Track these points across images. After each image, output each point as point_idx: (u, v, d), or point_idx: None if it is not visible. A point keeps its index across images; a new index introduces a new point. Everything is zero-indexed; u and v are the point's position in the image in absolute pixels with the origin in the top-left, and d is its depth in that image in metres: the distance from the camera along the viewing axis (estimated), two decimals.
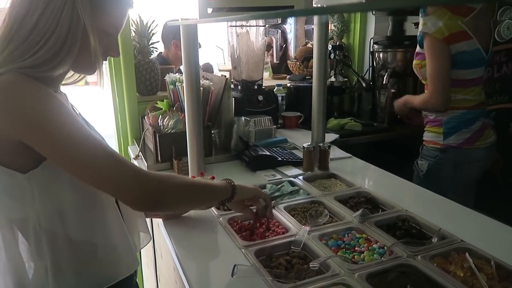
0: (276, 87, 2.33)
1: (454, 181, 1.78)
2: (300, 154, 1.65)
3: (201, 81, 1.52)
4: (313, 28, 1.74)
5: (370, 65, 2.61)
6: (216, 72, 2.84)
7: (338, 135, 2.02)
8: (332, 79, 2.43)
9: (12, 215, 0.84)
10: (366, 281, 0.85)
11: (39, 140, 0.76)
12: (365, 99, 2.47)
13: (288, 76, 2.73)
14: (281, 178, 1.48)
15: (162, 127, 1.63)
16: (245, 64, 2.01)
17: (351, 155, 1.74)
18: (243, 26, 1.95)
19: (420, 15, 1.77)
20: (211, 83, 1.71)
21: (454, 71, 1.69)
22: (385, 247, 0.98)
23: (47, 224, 0.84)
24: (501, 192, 2.14)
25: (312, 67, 1.77)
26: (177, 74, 1.83)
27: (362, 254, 0.97)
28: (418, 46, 1.78)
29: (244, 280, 0.87)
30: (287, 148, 1.79)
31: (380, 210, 1.22)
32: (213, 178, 1.26)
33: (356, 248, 1.00)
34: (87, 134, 0.79)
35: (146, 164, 1.62)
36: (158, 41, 2.10)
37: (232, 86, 1.96)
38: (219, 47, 2.99)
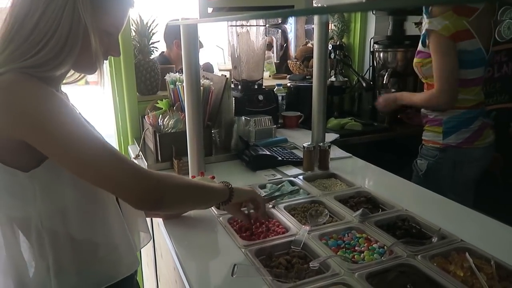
0: (276, 87, 2.33)
1: (454, 181, 1.78)
2: (300, 153, 1.65)
3: (201, 80, 1.52)
4: (313, 28, 1.74)
5: (370, 64, 2.61)
6: (216, 71, 2.85)
7: (338, 135, 2.02)
8: (332, 78, 2.43)
9: (13, 214, 0.84)
10: (366, 281, 0.85)
11: (40, 139, 0.76)
12: (365, 99, 2.48)
13: (288, 76, 2.73)
14: (281, 178, 1.48)
15: (162, 126, 1.63)
16: (245, 64, 2.01)
17: (351, 154, 1.74)
18: (244, 25, 1.95)
19: (424, 16, 1.77)
20: (211, 83, 1.71)
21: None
22: (385, 247, 0.99)
23: (48, 223, 0.84)
24: (501, 192, 2.14)
25: (312, 67, 1.77)
26: (177, 73, 1.83)
27: (362, 254, 0.97)
28: (420, 44, 1.78)
29: (244, 280, 0.87)
30: (287, 148, 1.79)
31: (380, 210, 1.22)
32: (213, 177, 1.26)
33: (356, 248, 1.00)
34: (88, 132, 0.79)
35: (146, 164, 1.62)
36: (159, 41, 2.10)
37: (232, 85, 1.96)
38: (219, 46, 2.99)
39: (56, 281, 0.86)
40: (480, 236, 1.04)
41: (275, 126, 1.93)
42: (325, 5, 1.26)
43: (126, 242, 0.99)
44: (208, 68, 2.82)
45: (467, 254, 0.92)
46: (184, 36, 1.24)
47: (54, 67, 0.80)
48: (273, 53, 2.94)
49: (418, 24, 2.17)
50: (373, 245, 1.00)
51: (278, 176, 1.50)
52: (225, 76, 1.78)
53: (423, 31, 1.73)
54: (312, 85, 1.68)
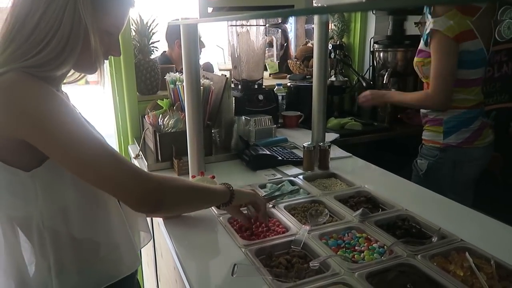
0: (276, 87, 2.33)
1: (454, 180, 1.78)
2: (300, 153, 1.65)
3: (201, 80, 1.52)
4: (313, 28, 1.74)
5: (371, 64, 2.61)
6: (216, 71, 2.85)
7: (338, 135, 2.02)
8: (333, 78, 2.44)
9: (14, 213, 0.84)
10: (366, 281, 0.86)
11: (40, 139, 0.76)
12: None
13: (288, 76, 2.73)
14: (281, 178, 1.48)
15: (162, 126, 1.63)
16: (246, 64, 2.01)
17: (351, 154, 1.74)
18: (244, 25, 1.95)
19: (428, 16, 1.77)
20: (211, 83, 1.71)
21: (458, 70, 1.69)
22: (385, 247, 0.99)
23: (50, 222, 0.84)
24: (501, 192, 2.15)
25: (312, 67, 1.77)
26: (177, 73, 1.83)
27: (362, 254, 0.97)
28: (422, 44, 1.77)
29: (244, 279, 0.87)
30: (287, 148, 1.79)
31: (380, 210, 1.23)
32: (213, 177, 1.26)
33: (356, 248, 1.00)
34: (89, 133, 0.79)
35: (147, 164, 1.62)
36: (159, 40, 2.10)
37: (232, 85, 1.96)
38: (220, 46, 2.99)
39: (57, 280, 0.86)
40: (480, 235, 1.04)
41: (275, 125, 1.93)
42: (325, 5, 1.26)
43: (127, 241, 0.99)
44: (208, 67, 2.82)
45: (467, 253, 0.92)
46: (184, 36, 1.24)
47: (55, 67, 0.80)
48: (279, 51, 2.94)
49: (418, 23, 2.16)
50: (373, 245, 1.01)
51: (278, 175, 1.50)
52: (225, 75, 1.78)
53: (427, 31, 1.72)
54: (312, 85, 1.68)
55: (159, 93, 2.10)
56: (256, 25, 1.96)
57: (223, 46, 2.95)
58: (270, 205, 1.22)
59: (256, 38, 1.97)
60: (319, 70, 1.63)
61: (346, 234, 1.07)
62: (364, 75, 2.61)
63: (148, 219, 1.27)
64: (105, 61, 0.90)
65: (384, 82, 2.33)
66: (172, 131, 1.61)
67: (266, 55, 2.87)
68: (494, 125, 1.87)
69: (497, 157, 2.12)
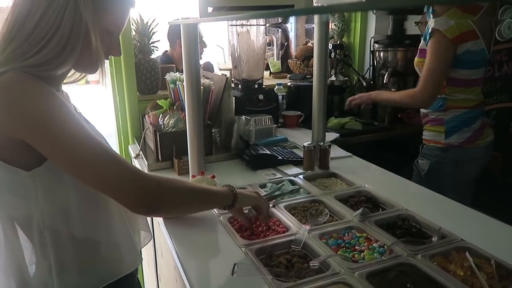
0: (276, 86, 2.33)
1: (455, 180, 1.78)
2: (300, 153, 1.65)
3: (201, 80, 1.52)
4: (313, 27, 1.74)
5: (371, 64, 2.61)
6: (216, 71, 2.85)
7: (338, 134, 2.02)
8: (333, 78, 2.44)
9: (14, 213, 0.84)
10: (366, 280, 0.86)
11: (39, 140, 0.76)
12: None
13: (288, 75, 2.73)
14: (281, 177, 1.48)
15: (162, 126, 1.64)
16: (246, 63, 2.01)
17: (351, 154, 1.74)
18: (244, 25, 1.95)
19: (428, 16, 1.77)
20: (211, 82, 1.71)
21: (460, 70, 1.69)
22: (385, 246, 0.99)
23: (50, 222, 0.84)
24: (501, 192, 2.15)
25: (312, 66, 1.77)
26: (177, 73, 1.83)
27: (362, 253, 0.97)
28: (423, 43, 1.77)
29: (244, 279, 0.87)
30: (287, 147, 1.79)
31: (380, 209, 1.23)
32: (213, 177, 1.26)
33: (356, 247, 1.00)
34: (88, 134, 0.79)
35: (147, 163, 1.62)
36: (159, 40, 2.10)
37: (232, 85, 1.96)
38: (220, 46, 3.00)
39: (58, 280, 0.87)
40: (480, 235, 1.04)
41: (275, 125, 1.93)
42: (325, 5, 1.26)
43: (128, 240, 0.99)
44: (208, 67, 2.82)
45: (467, 253, 0.92)
46: (184, 36, 1.24)
47: (55, 67, 0.80)
48: (279, 51, 2.94)
49: (419, 23, 2.17)
50: (373, 245, 1.01)
51: (278, 175, 1.50)
52: (225, 75, 1.79)
53: (429, 30, 1.72)
54: (312, 85, 1.68)
55: (159, 93, 2.10)
56: (256, 24, 1.96)
57: (223, 45, 2.95)
58: (271, 205, 1.22)
59: (256, 38, 1.97)
60: (319, 70, 1.63)
61: (346, 234, 1.07)
62: (364, 74, 2.60)
63: (148, 218, 1.27)
64: (105, 60, 0.90)
65: (384, 81, 2.33)
66: (172, 130, 1.61)
67: (266, 54, 2.88)
68: (494, 124, 1.87)
69: (497, 157, 2.12)
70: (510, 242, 1.04)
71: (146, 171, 1.60)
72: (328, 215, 1.16)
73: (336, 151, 1.74)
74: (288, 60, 2.92)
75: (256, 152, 1.59)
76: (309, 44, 2.85)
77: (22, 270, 0.87)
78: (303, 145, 1.54)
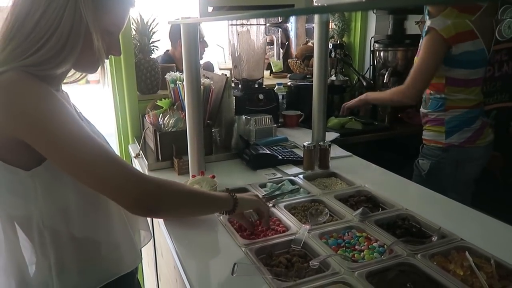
0: (276, 86, 2.33)
1: (456, 180, 1.78)
2: (300, 153, 1.65)
3: (201, 79, 1.52)
4: (313, 27, 1.74)
5: (371, 64, 2.61)
6: (216, 70, 2.85)
7: (338, 134, 2.02)
8: (333, 78, 2.43)
9: (14, 212, 0.84)
10: (366, 280, 0.86)
11: (39, 139, 0.76)
12: None
13: (288, 75, 2.73)
14: (281, 177, 1.48)
15: (162, 125, 1.64)
16: (246, 63, 2.01)
17: (351, 154, 1.74)
18: (244, 24, 1.95)
19: (426, 17, 1.77)
20: (211, 82, 1.71)
21: (459, 70, 1.69)
22: (385, 246, 0.99)
23: (50, 222, 0.84)
24: (501, 191, 2.15)
25: (312, 66, 1.77)
26: (177, 72, 1.83)
27: (362, 253, 0.97)
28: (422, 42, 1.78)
29: (244, 279, 0.87)
30: (287, 147, 1.79)
31: (380, 209, 1.23)
32: (213, 177, 1.26)
33: (356, 247, 1.00)
34: (88, 135, 0.79)
35: (147, 163, 1.62)
36: (159, 40, 2.10)
37: (232, 84, 1.96)
38: (220, 45, 2.99)
39: (58, 280, 0.87)
40: (480, 235, 1.04)
41: (275, 125, 1.93)
42: (325, 4, 1.26)
43: (128, 240, 0.99)
44: (209, 67, 2.82)
45: (467, 253, 0.92)
46: (184, 35, 1.24)
47: (55, 66, 0.80)
48: (279, 50, 2.95)
49: (419, 22, 2.17)
50: (373, 244, 1.01)
51: (279, 175, 1.50)
52: (226, 75, 1.79)
53: (426, 27, 1.72)
54: (312, 84, 1.68)
55: (159, 93, 2.10)
56: (257, 24, 1.96)
57: (223, 45, 2.95)
58: (270, 205, 1.22)
59: (257, 38, 1.97)
60: (319, 70, 1.63)
61: (346, 233, 1.07)
62: (365, 74, 2.60)
63: (149, 218, 1.27)
64: (105, 60, 0.90)
65: (384, 81, 2.33)
66: (173, 130, 1.61)
67: (268, 54, 2.88)
68: (494, 124, 1.87)
69: (497, 157, 2.12)
70: (510, 242, 1.04)
71: (146, 170, 1.60)
72: (328, 215, 1.16)
73: (336, 151, 1.74)
74: (288, 60, 2.92)
75: (256, 152, 1.59)
76: (309, 44, 2.85)
77: (22, 270, 0.87)
78: (303, 145, 1.54)
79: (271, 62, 2.87)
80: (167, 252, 1.21)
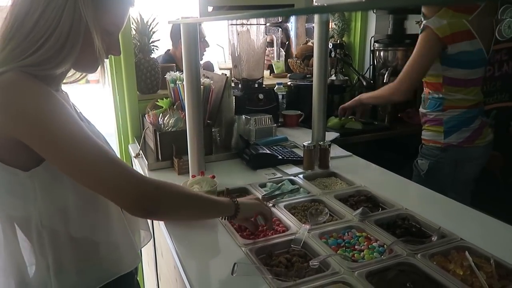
0: (276, 86, 2.33)
1: (455, 180, 1.78)
2: (300, 152, 1.65)
3: (201, 79, 1.52)
4: (313, 27, 1.74)
5: (371, 63, 2.61)
6: (216, 70, 2.85)
7: (338, 134, 2.02)
8: (333, 77, 2.43)
9: (13, 213, 0.84)
10: (366, 280, 0.86)
11: (37, 140, 0.76)
12: None
13: (288, 75, 2.73)
14: (281, 177, 1.48)
15: (162, 125, 1.64)
16: (246, 63, 2.01)
17: (351, 153, 1.74)
18: (244, 24, 1.95)
19: (422, 18, 1.77)
20: (211, 82, 1.71)
21: (456, 70, 1.69)
22: (385, 246, 0.99)
23: (49, 222, 0.84)
24: (501, 191, 2.15)
25: (312, 66, 1.77)
26: (177, 72, 1.83)
27: (362, 253, 0.97)
28: None
29: (244, 278, 0.87)
30: (287, 147, 1.79)
31: (380, 209, 1.23)
32: (213, 177, 1.26)
33: (356, 247, 1.00)
34: (87, 135, 0.79)
35: (147, 163, 1.62)
36: (159, 39, 2.10)
37: (232, 84, 1.96)
38: (220, 45, 2.99)
39: (56, 280, 0.87)
40: (480, 235, 1.04)
41: (275, 125, 1.93)
42: (325, 4, 1.26)
43: (127, 241, 0.99)
44: (209, 66, 2.82)
45: (466, 252, 0.92)
46: (184, 35, 1.24)
47: (54, 66, 0.80)
48: (279, 50, 2.94)
49: (419, 22, 2.16)
50: (373, 244, 1.01)
51: (278, 175, 1.50)
52: (226, 75, 1.79)
53: (422, 26, 1.73)
54: (312, 84, 1.68)
55: (159, 92, 2.10)
56: (257, 24, 1.96)
57: (223, 45, 2.95)
58: (270, 204, 1.22)
59: (257, 37, 1.97)
60: (319, 69, 1.63)
61: (346, 233, 1.07)
62: (365, 74, 2.60)
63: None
64: (105, 60, 0.90)
65: (384, 81, 2.33)
66: (172, 130, 1.61)
67: (271, 55, 2.88)
68: (494, 124, 1.87)
69: (497, 156, 2.12)
70: (509, 241, 1.04)
71: (146, 170, 1.60)
72: (328, 215, 1.16)
73: (336, 151, 1.74)
74: (288, 60, 2.92)
75: (256, 152, 1.59)
76: (309, 44, 2.85)
77: (21, 270, 0.87)
78: (303, 145, 1.54)
79: (273, 64, 2.87)
80: (167, 252, 1.21)
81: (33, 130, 0.75)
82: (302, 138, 1.84)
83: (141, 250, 1.11)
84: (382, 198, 1.27)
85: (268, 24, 2.02)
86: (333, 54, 2.47)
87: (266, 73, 2.86)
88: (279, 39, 2.89)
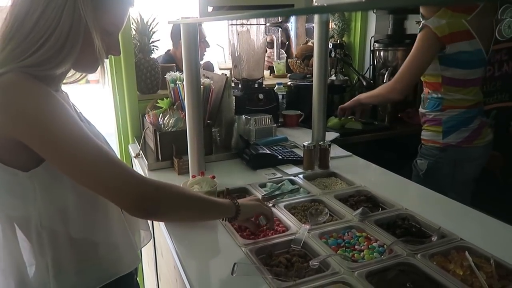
0: (276, 86, 2.33)
1: (454, 180, 1.78)
2: (300, 152, 1.65)
3: (201, 79, 1.52)
4: (313, 27, 1.74)
5: (371, 63, 2.61)
6: (216, 70, 2.85)
7: (338, 134, 2.02)
8: (333, 77, 2.43)
9: (13, 213, 0.84)
10: (366, 280, 0.86)
11: (37, 141, 0.76)
12: None
13: (288, 75, 2.73)
14: (281, 177, 1.48)
15: (162, 125, 1.64)
16: (246, 63, 2.01)
17: (351, 153, 1.74)
18: (244, 24, 1.95)
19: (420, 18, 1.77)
20: (211, 82, 1.71)
21: (454, 70, 1.69)
22: (385, 246, 0.99)
23: (48, 222, 0.84)
24: (501, 191, 2.15)
25: (312, 66, 1.77)
26: (177, 72, 1.84)
27: (362, 253, 0.97)
28: None
29: (244, 278, 0.87)
30: (287, 147, 1.79)
31: (380, 209, 1.23)
32: (213, 177, 1.26)
33: (356, 247, 1.01)
34: (87, 136, 0.79)
35: (147, 163, 1.62)
36: (159, 40, 2.10)
37: (232, 84, 1.96)
38: (220, 45, 2.99)
39: (55, 280, 0.87)
40: (480, 235, 1.04)
41: (275, 125, 1.93)
42: (325, 4, 1.26)
43: (126, 241, 0.99)
44: (209, 66, 2.82)
45: (466, 253, 0.92)
46: (184, 35, 1.24)
47: (54, 66, 0.80)
48: (279, 51, 2.94)
49: (419, 22, 2.17)
50: (373, 244, 1.01)
51: (278, 175, 1.50)
52: (226, 75, 1.79)
53: (421, 25, 1.73)
54: (312, 84, 1.68)
55: (159, 92, 2.10)
56: (257, 24, 1.96)
57: (223, 45, 2.95)
58: (270, 204, 1.22)
59: (257, 37, 1.97)
60: (319, 69, 1.63)
61: (346, 233, 1.07)
62: (365, 74, 2.60)
63: None
64: (105, 60, 0.90)
65: (384, 81, 2.33)
66: (172, 130, 1.61)
67: (270, 57, 2.87)
68: (494, 124, 1.87)
69: (497, 156, 2.12)
70: (509, 241, 1.04)
71: (146, 170, 1.60)
72: (328, 215, 1.16)
73: (336, 151, 1.74)
74: (289, 60, 2.92)
75: (256, 152, 1.59)
76: (309, 44, 2.85)
77: (21, 271, 0.87)
78: (303, 145, 1.54)
79: (274, 66, 2.87)
80: (167, 252, 1.21)
81: (33, 130, 0.75)
82: (302, 138, 1.84)
83: (141, 250, 1.11)
84: (382, 198, 1.27)
85: (268, 24, 2.02)
86: (333, 54, 2.47)
87: (266, 73, 2.86)
88: (279, 39, 2.89)
